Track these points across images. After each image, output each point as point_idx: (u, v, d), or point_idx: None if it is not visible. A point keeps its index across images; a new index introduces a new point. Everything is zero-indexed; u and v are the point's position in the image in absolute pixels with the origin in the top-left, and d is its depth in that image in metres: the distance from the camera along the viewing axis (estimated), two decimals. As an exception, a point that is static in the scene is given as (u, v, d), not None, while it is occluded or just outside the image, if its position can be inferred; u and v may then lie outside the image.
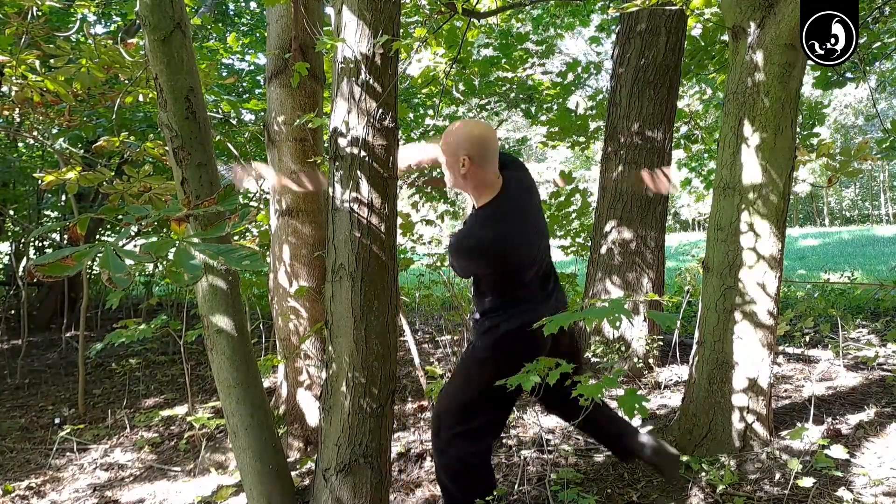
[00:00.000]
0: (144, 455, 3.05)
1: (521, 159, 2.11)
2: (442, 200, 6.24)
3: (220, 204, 1.12)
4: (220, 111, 4.86)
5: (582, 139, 6.12)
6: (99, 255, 1.00)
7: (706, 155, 8.04)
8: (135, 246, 1.05)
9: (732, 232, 2.49)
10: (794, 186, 2.49)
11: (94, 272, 6.46)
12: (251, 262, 0.98)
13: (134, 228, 1.08)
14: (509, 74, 5.69)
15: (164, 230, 5.87)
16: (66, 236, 6.27)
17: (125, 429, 3.41)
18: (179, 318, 5.25)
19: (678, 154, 7.57)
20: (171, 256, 1.01)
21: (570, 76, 6.11)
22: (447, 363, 4.34)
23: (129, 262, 0.97)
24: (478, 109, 5.79)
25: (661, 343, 4.06)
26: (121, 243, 1.03)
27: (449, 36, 4.66)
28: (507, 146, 7.90)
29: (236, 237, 5.26)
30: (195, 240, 1.03)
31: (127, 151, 3.10)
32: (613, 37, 4.94)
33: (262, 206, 5.30)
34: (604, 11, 6.58)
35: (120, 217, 1.15)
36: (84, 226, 1.12)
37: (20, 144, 6.22)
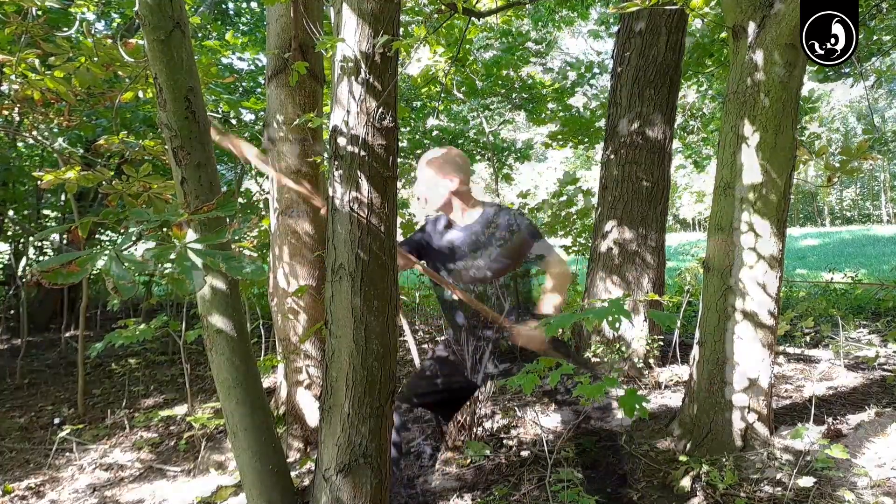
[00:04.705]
0: (144, 455, 3.05)
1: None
2: None
3: (219, 210, 1.11)
4: (220, 111, 4.85)
5: (585, 139, 6.13)
6: (102, 260, 0.99)
7: (702, 143, 8.17)
8: (135, 250, 1.05)
9: (732, 232, 2.49)
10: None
11: (95, 272, 6.45)
12: (253, 271, 0.98)
13: (135, 231, 1.07)
14: (511, 73, 5.69)
15: (165, 230, 5.86)
16: (65, 237, 6.26)
17: (125, 429, 3.41)
18: (179, 318, 5.25)
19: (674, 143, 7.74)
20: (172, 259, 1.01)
21: (573, 75, 6.11)
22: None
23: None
24: (481, 109, 5.77)
25: (661, 343, 4.06)
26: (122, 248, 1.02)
27: (449, 34, 4.65)
28: (508, 146, 7.90)
29: (236, 237, 5.25)
30: (196, 246, 1.03)
31: (127, 151, 3.10)
32: (614, 29, 4.93)
33: (262, 207, 5.30)
34: (604, 5, 6.58)
35: (120, 220, 1.15)
36: (86, 229, 1.12)
37: (20, 144, 6.21)
